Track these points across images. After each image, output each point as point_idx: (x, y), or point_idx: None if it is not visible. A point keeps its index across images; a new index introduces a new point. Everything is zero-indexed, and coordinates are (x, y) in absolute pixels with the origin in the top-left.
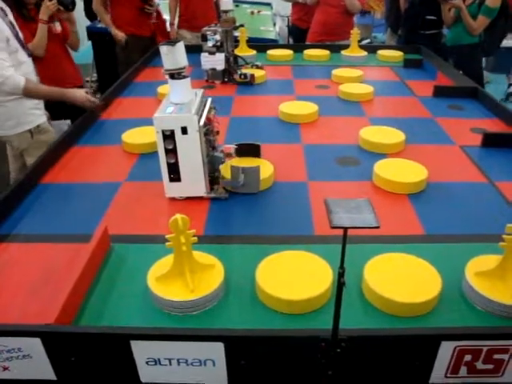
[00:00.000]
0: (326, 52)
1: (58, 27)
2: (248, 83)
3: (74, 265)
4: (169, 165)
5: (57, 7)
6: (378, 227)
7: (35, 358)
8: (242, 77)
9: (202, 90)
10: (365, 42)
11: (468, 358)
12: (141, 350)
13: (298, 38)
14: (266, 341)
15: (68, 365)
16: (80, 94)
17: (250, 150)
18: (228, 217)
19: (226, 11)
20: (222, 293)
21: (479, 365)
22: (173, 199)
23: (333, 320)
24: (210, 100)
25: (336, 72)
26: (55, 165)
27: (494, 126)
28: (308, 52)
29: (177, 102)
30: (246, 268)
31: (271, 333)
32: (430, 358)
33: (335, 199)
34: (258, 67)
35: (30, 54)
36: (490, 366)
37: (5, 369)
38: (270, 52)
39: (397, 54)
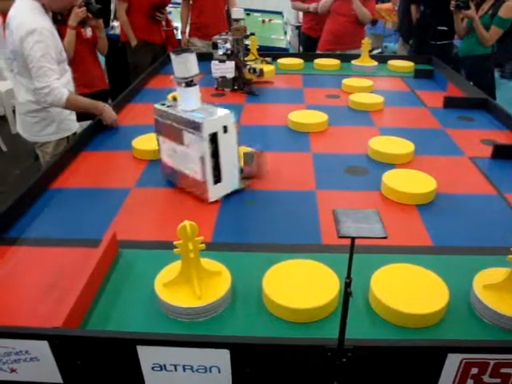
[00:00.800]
0: (336, 61)
1: (88, 32)
2: (255, 94)
3: (82, 269)
4: (212, 168)
5: (85, 14)
6: (385, 237)
7: (42, 361)
8: (252, 71)
9: None
10: (376, 51)
11: (475, 371)
12: (147, 356)
13: (308, 46)
14: (271, 349)
15: (74, 368)
16: (113, 115)
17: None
18: (236, 224)
19: (237, 20)
20: (228, 300)
21: (486, 378)
22: (181, 205)
23: (339, 330)
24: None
25: (346, 81)
26: (65, 169)
27: (505, 137)
28: (318, 61)
29: (189, 109)
30: (252, 276)
31: (277, 341)
32: (436, 370)
33: (343, 210)
34: (267, 62)
35: (70, 65)
36: (498, 380)
37: (12, 371)
38: (281, 61)
39: (407, 65)
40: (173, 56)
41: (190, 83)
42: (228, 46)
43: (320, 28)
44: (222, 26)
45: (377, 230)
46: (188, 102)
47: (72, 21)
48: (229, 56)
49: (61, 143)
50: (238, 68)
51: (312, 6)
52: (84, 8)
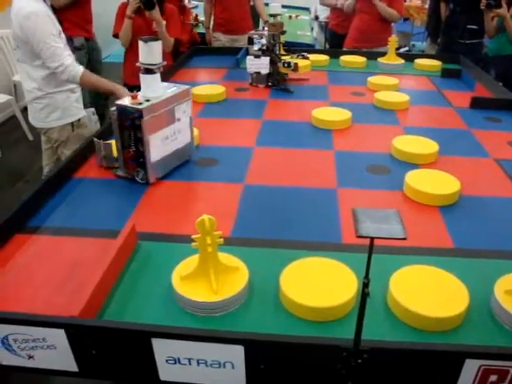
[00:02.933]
0: (362, 59)
1: None
2: (290, 91)
3: (101, 260)
4: None
5: (138, 4)
6: (405, 239)
7: (59, 349)
8: (286, 65)
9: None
10: (403, 50)
11: (493, 378)
12: (161, 348)
13: (335, 43)
14: (286, 347)
15: (90, 357)
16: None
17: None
18: (256, 220)
19: (274, 15)
20: (245, 296)
21: None
22: (201, 199)
23: (355, 330)
24: None
25: (372, 79)
26: (89, 159)
27: None
28: (344, 58)
29: (148, 96)
30: (270, 272)
31: (292, 339)
32: (453, 375)
33: (363, 209)
34: (303, 57)
35: (73, 50)
36: None
37: (30, 357)
38: None
39: (435, 63)
40: (140, 43)
41: (151, 71)
42: (263, 41)
43: (347, 25)
44: (247, 21)
45: (397, 231)
46: (149, 88)
47: (128, 10)
48: (264, 51)
49: (65, 129)
50: (273, 64)
51: (340, 2)
52: None
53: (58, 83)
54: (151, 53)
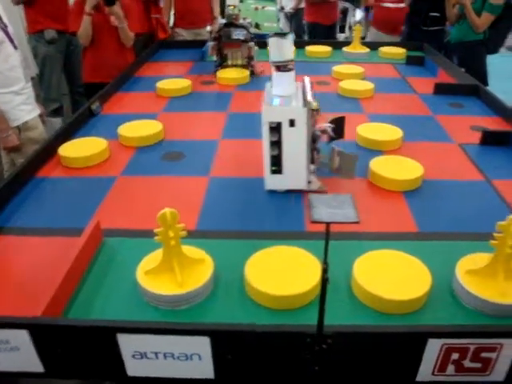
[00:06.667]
0: (327, 48)
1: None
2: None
3: (64, 259)
4: (272, 157)
5: (98, 0)
6: (357, 222)
7: (23, 350)
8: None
9: (307, 79)
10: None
11: (455, 356)
12: (127, 344)
13: (320, 34)
14: (251, 336)
15: (55, 357)
16: (13, 141)
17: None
18: (222, 212)
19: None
20: (210, 287)
21: (467, 363)
22: (166, 194)
23: (318, 316)
24: (307, 82)
25: (336, 68)
26: (51, 158)
27: (495, 123)
28: (310, 48)
29: (281, 95)
30: (235, 263)
31: (256, 328)
32: (416, 355)
33: (318, 195)
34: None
35: (17, 47)
36: (478, 365)
37: None
38: None
39: (399, 51)
40: (270, 40)
41: (283, 68)
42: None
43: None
44: (207, 13)
45: (349, 215)
46: (279, 86)
47: (87, 6)
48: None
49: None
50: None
51: None
52: None
53: None
54: (288, 48)
